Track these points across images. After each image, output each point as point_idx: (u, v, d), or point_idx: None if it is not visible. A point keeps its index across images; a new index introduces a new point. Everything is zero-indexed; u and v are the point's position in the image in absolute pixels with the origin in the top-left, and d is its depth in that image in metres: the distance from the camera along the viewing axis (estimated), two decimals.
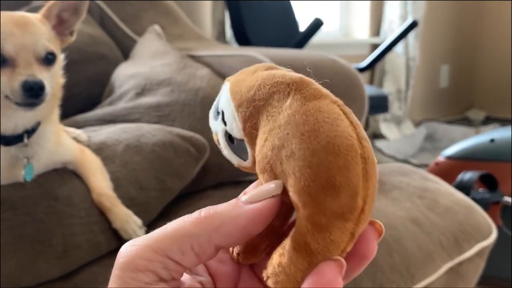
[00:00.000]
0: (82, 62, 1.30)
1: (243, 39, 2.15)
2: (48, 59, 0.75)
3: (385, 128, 3.21)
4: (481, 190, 1.74)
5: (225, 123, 0.30)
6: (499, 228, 1.63)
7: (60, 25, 0.80)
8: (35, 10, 1.48)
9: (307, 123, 0.25)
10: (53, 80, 0.77)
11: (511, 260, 1.69)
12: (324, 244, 0.25)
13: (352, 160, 0.24)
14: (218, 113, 0.31)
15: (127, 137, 0.94)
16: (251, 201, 0.26)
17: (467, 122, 3.86)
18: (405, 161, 2.86)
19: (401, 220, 0.94)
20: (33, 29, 0.74)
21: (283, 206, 0.28)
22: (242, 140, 0.29)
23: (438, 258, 0.94)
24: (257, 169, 0.28)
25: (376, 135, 3.18)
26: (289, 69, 0.29)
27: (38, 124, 0.79)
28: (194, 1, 2.04)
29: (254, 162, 0.29)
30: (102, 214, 0.81)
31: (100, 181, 0.83)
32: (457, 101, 3.92)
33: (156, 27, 1.49)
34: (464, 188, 1.69)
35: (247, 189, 0.31)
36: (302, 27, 2.38)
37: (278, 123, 0.26)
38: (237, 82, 0.30)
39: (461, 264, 0.99)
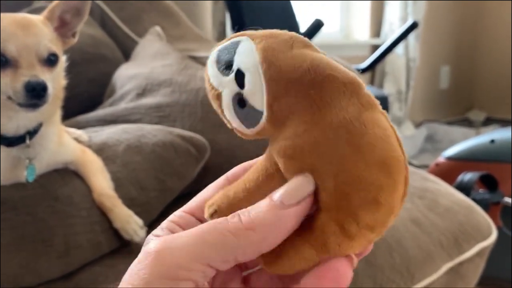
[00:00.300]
0: (83, 63, 1.31)
1: None
2: (51, 60, 0.75)
3: None
4: (481, 190, 1.74)
5: (241, 85, 0.28)
6: (499, 229, 1.63)
7: (63, 27, 0.80)
8: (36, 11, 1.49)
9: (366, 135, 0.25)
10: (55, 81, 0.77)
11: (511, 261, 1.69)
12: (344, 247, 0.25)
13: (399, 182, 0.25)
14: (229, 68, 0.28)
15: (128, 138, 0.95)
16: (289, 203, 0.26)
17: (467, 123, 3.87)
18: None
19: (401, 221, 0.94)
20: (36, 31, 0.75)
21: None
22: (257, 111, 0.28)
23: (438, 258, 0.94)
24: (278, 152, 0.27)
25: None
26: (325, 53, 0.29)
27: (40, 125, 0.79)
28: (194, 1, 2.04)
29: (261, 134, 0.28)
30: (103, 214, 0.81)
31: (101, 181, 0.83)
32: (457, 102, 3.92)
33: (157, 28, 1.49)
34: (465, 188, 1.69)
35: (236, 170, 0.30)
36: (303, 28, 2.39)
37: (329, 121, 0.25)
38: (272, 49, 0.27)
39: (461, 264, 0.99)
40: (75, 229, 0.77)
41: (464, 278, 1.01)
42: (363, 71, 2.35)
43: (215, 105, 0.30)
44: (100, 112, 1.14)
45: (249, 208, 0.26)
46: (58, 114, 0.84)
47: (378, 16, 3.30)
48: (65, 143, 0.85)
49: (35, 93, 0.71)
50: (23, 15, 0.78)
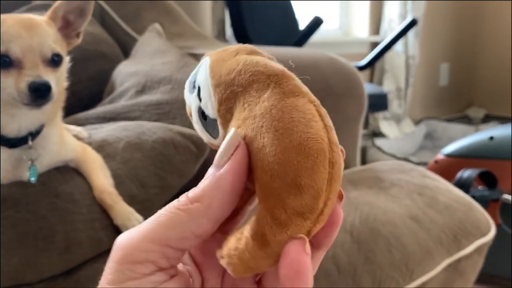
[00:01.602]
0: (83, 60, 1.30)
1: (243, 37, 2.16)
2: (54, 61, 0.76)
3: (385, 126, 3.21)
4: (480, 187, 1.75)
5: (200, 99, 0.30)
6: (499, 226, 1.64)
7: (66, 27, 0.80)
8: (35, 9, 1.49)
9: (282, 120, 0.25)
10: (58, 82, 0.77)
11: (510, 258, 1.69)
12: (280, 238, 0.25)
13: (320, 164, 0.25)
14: (194, 87, 0.31)
15: (128, 135, 0.95)
16: (221, 163, 0.27)
17: (467, 120, 3.87)
18: (405, 159, 2.87)
19: (400, 217, 0.94)
20: (40, 31, 0.75)
21: (247, 192, 0.29)
22: (212, 119, 0.30)
23: (437, 254, 0.95)
24: None
25: (376, 134, 3.19)
26: (272, 58, 0.30)
27: (42, 126, 0.80)
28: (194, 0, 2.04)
29: None
30: (103, 211, 0.81)
31: (101, 178, 0.84)
32: (457, 99, 3.93)
33: (157, 26, 1.49)
34: (464, 185, 1.70)
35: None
36: (302, 25, 2.39)
37: (254, 113, 0.26)
38: (217, 61, 0.29)
39: (459, 261, 1.00)
40: (76, 226, 0.77)
41: (463, 275, 1.01)
42: (363, 68, 2.35)
43: (193, 123, 0.32)
44: (99, 109, 1.14)
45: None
46: (59, 114, 0.84)
47: (377, 14, 3.30)
48: (66, 142, 0.85)
49: (39, 94, 0.71)
50: (27, 16, 0.78)
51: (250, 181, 0.27)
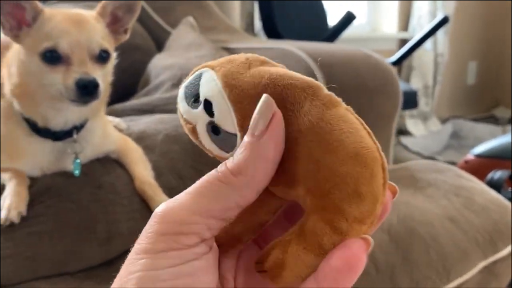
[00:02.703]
0: (118, 53, 1.32)
1: (272, 31, 2.15)
2: (102, 57, 0.76)
3: (411, 124, 3.19)
4: (510, 189, 1.72)
5: (210, 114, 0.29)
6: None
7: (115, 23, 0.80)
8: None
9: (333, 132, 0.25)
10: (105, 78, 0.78)
11: None
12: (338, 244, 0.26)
13: (377, 171, 0.25)
14: (197, 101, 0.29)
15: (166, 127, 0.96)
16: (259, 131, 0.26)
17: (493, 120, 3.81)
18: (431, 158, 2.84)
19: (437, 218, 0.93)
20: (88, 27, 0.75)
21: (274, 201, 0.29)
22: (231, 134, 0.29)
23: (474, 256, 0.94)
24: None
25: (402, 131, 3.16)
26: (283, 66, 0.30)
27: (86, 120, 0.80)
28: None
29: None
30: (143, 203, 0.82)
31: (142, 169, 0.84)
32: (484, 99, 3.87)
33: (190, 19, 1.49)
34: (494, 186, 1.68)
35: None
36: (332, 19, 2.37)
37: (296, 127, 0.26)
38: (230, 73, 0.28)
39: (495, 263, 0.99)
40: (117, 217, 0.78)
41: (498, 277, 1.00)
42: (392, 65, 2.32)
43: (193, 138, 0.30)
44: (135, 102, 1.15)
45: (234, 155, 0.27)
46: (103, 108, 0.85)
47: (406, 10, 3.26)
48: (108, 134, 0.86)
49: (87, 91, 0.72)
50: (76, 11, 0.78)
51: (283, 192, 0.28)
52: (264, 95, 0.27)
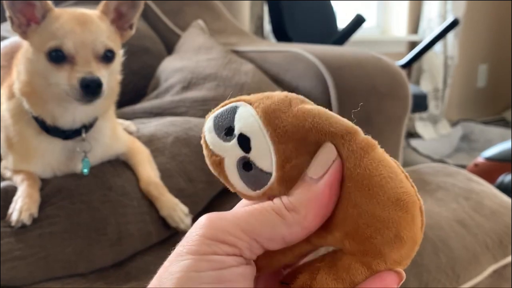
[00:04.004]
0: (127, 55, 1.32)
1: (282, 34, 2.15)
2: (107, 57, 0.76)
3: (421, 127, 3.17)
4: None
5: (246, 149, 0.28)
6: None
7: (119, 19, 0.81)
8: (76, 4, 1.51)
9: (373, 178, 0.26)
10: (111, 77, 0.78)
11: None
12: None
13: (416, 215, 0.26)
14: (230, 134, 0.29)
15: (176, 130, 0.96)
16: (318, 175, 0.27)
17: (503, 123, 3.79)
18: (441, 161, 2.83)
19: (447, 221, 0.93)
20: (93, 27, 0.76)
21: (306, 245, 0.29)
22: (265, 173, 0.28)
23: (484, 260, 0.93)
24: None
25: (412, 134, 3.15)
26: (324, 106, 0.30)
27: (95, 119, 0.81)
28: None
29: (267, 194, 0.29)
30: (152, 205, 0.82)
31: (148, 170, 0.85)
32: (494, 102, 3.85)
33: (200, 22, 1.50)
34: (505, 190, 1.67)
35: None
36: (341, 22, 2.37)
37: None
38: (273, 111, 0.28)
39: (505, 267, 0.98)
40: (127, 219, 0.78)
41: (508, 281, 1.00)
42: (402, 68, 2.32)
43: (215, 171, 0.30)
44: (146, 104, 1.15)
45: (288, 193, 0.28)
46: (113, 108, 0.85)
47: (416, 13, 3.25)
48: (118, 135, 0.87)
49: (90, 90, 0.72)
50: (80, 11, 0.79)
51: (320, 236, 0.28)
52: (329, 144, 0.27)
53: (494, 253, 0.96)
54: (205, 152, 0.30)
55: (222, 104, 0.30)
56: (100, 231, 0.76)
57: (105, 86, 0.74)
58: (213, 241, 0.27)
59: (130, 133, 0.95)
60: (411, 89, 1.28)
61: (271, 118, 0.28)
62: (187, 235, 0.28)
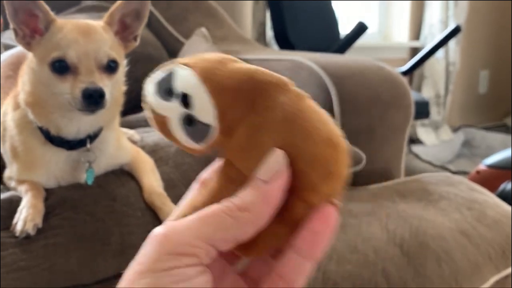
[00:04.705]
0: (131, 63, 1.33)
1: (284, 41, 2.16)
2: (110, 67, 0.76)
3: (423, 133, 3.18)
4: None
5: (187, 106, 0.31)
6: None
7: (124, 31, 0.81)
8: (84, 10, 1.51)
9: (308, 120, 0.29)
10: (115, 87, 0.78)
11: None
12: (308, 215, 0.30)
13: (344, 153, 0.29)
14: (171, 94, 0.31)
15: None
16: (269, 179, 0.29)
17: (505, 129, 3.79)
18: (443, 167, 2.83)
19: (450, 231, 0.93)
20: (96, 37, 0.76)
21: None
22: (206, 125, 0.31)
23: (486, 270, 0.93)
24: (238, 155, 0.31)
25: (413, 140, 3.15)
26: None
27: (100, 130, 0.81)
28: (235, 1, 2.05)
29: (211, 147, 0.32)
30: (155, 215, 0.83)
31: (152, 180, 0.85)
32: (495, 108, 3.85)
33: (203, 30, 1.51)
34: (506, 198, 1.67)
35: (204, 176, 0.34)
36: (342, 27, 2.38)
37: (275, 117, 0.29)
38: (209, 70, 0.31)
39: (507, 278, 0.98)
40: (131, 229, 0.79)
41: None
42: (403, 74, 2.32)
43: (160, 131, 0.33)
44: None
45: (237, 194, 0.29)
46: (117, 118, 0.85)
47: (417, 19, 3.26)
48: (122, 145, 0.87)
49: (92, 100, 0.72)
50: (84, 22, 0.79)
51: None
52: (277, 150, 0.29)
53: (496, 264, 0.96)
54: (148, 114, 0.33)
55: (160, 67, 0.32)
56: (104, 241, 0.76)
57: (108, 97, 0.74)
58: (172, 255, 0.27)
59: (134, 142, 0.96)
60: (413, 96, 1.28)
61: (209, 75, 0.31)
62: (142, 252, 0.28)
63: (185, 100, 0.31)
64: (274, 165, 0.29)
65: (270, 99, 0.30)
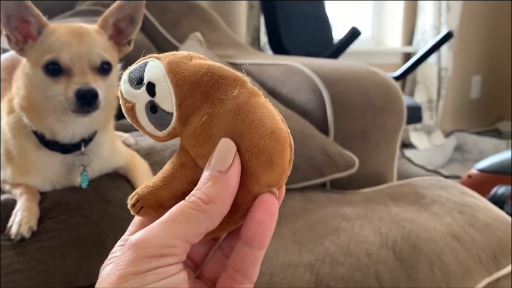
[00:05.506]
0: (126, 67, 1.33)
1: (278, 46, 2.17)
2: (104, 69, 0.77)
3: (415, 137, 3.19)
4: None
5: (152, 94, 0.33)
6: None
7: (118, 35, 0.82)
8: (79, 14, 1.52)
9: (256, 113, 0.31)
10: (109, 90, 0.79)
11: None
12: (249, 205, 0.31)
13: (286, 147, 0.31)
14: (140, 83, 0.34)
15: (174, 142, 0.97)
16: (225, 167, 0.31)
17: (497, 134, 3.82)
18: (435, 171, 2.84)
19: (441, 235, 0.94)
20: (89, 39, 0.76)
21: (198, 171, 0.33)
22: (167, 113, 0.33)
23: (477, 274, 0.94)
24: (190, 141, 0.33)
25: (406, 144, 3.17)
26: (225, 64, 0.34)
27: (94, 133, 0.82)
28: (229, 7, 2.06)
29: (171, 134, 0.34)
30: None
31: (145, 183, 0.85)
32: (487, 113, 3.88)
33: (198, 34, 1.51)
34: (498, 202, 1.69)
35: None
36: (335, 32, 2.39)
37: (226, 108, 0.32)
38: (174, 62, 0.33)
39: (498, 281, 0.99)
40: (125, 232, 0.79)
41: None
42: (396, 79, 2.34)
43: (128, 116, 0.35)
44: None
45: (196, 188, 0.31)
46: (112, 122, 0.86)
47: (410, 24, 3.28)
48: (117, 149, 0.87)
49: (86, 101, 0.73)
50: (77, 25, 0.79)
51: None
52: (224, 139, 0.31)
53: (487, 267, 0.97)
54: (121, 101, 0.35)
55: (137, 61, 0.35)
56: (99, 244, 0.77)
57: (101, 97, 0.74)
58: (154, 257, 0.29)
59: (129, 145, 0.96)
60: (406, 100, 1.30)
61: (173, 67, 0.33)
62: (122, 259, 0.29)
63: (151, 89, 0.33)
64: (228, 154, 0.31)
65: (225, 93, 0.32)
